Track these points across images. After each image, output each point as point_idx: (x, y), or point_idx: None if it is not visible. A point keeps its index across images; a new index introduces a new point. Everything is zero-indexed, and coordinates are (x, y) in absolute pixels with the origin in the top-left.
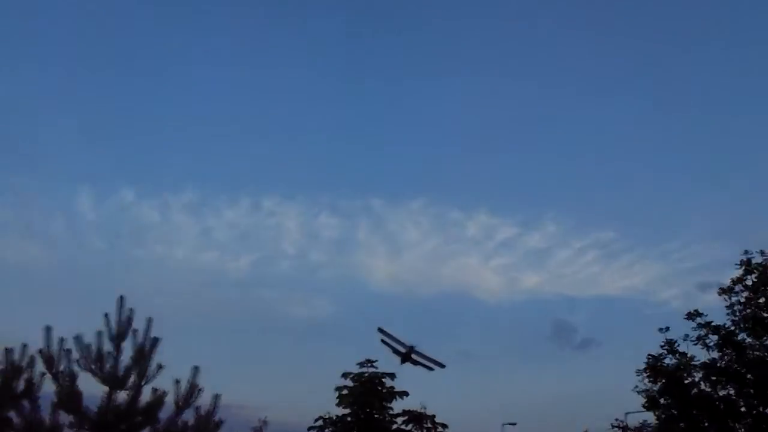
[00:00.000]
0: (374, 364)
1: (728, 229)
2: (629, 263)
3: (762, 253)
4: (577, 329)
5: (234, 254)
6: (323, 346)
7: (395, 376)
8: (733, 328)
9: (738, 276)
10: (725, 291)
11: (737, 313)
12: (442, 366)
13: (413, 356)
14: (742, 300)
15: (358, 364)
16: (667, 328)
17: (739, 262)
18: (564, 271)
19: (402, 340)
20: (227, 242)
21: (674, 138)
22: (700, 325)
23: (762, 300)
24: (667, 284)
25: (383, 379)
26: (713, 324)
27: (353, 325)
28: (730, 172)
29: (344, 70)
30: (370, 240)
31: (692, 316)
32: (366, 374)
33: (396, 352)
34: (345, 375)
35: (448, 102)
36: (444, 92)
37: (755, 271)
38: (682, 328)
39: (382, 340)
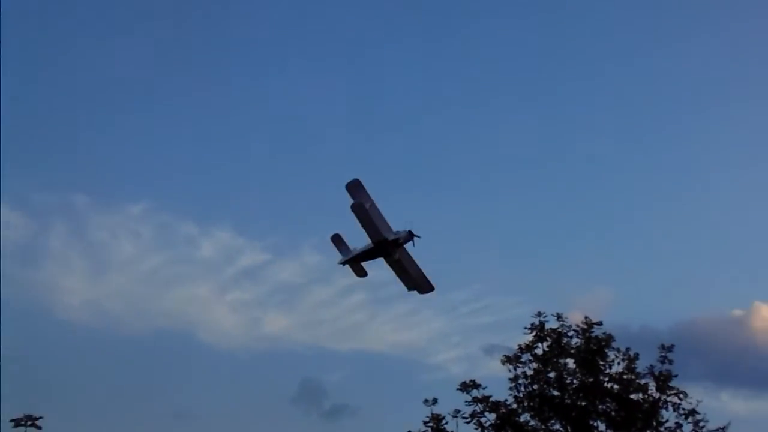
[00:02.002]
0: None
1: (532, 283)
2: (405, 313)
3: (558, 317)
4: (328, 392)
5: None
6: None
7: None
8: (515, 406)
9: (527, 342)
10: (510, 360)
11: (522, 389)
12: (430, 288)
13: (403, 250)
14: (530, 372)
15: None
16: (435, 401)
17: (529, 326)
18: (321, 315)
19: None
20: None
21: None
22: (476, 400)
23: (552, 374)
24: (450, 344)
25: None
26: (492, 400)
27: (23, 368)
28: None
29: None
30: (66, 250)
31: (467, 387)
32: None
33: (372, 237)
34: None
35: None
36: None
37: (548, 338)
38: (457, 401)
39: (357, 209)
